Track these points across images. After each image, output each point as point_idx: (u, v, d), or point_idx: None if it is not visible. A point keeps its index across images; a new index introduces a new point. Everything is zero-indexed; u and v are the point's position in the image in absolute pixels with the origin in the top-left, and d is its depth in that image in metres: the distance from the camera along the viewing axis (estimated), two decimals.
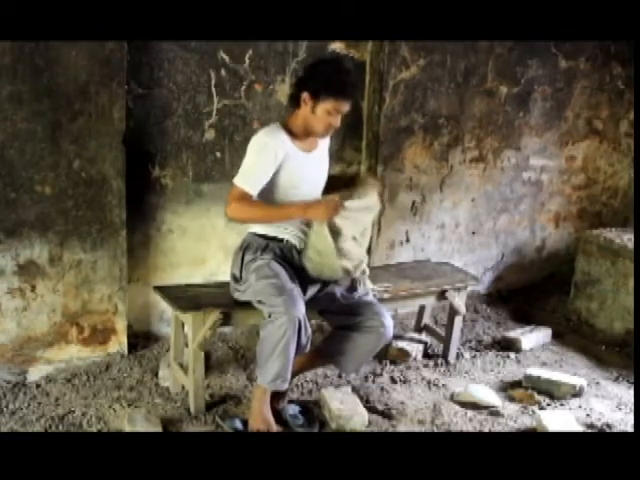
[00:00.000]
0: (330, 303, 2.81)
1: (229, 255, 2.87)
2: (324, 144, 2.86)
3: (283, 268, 2.68)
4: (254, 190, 2.59)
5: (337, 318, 2.84)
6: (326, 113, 2.62)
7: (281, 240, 2.74)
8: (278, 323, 2.49)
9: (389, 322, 2.76)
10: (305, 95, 2.62)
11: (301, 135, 2.71)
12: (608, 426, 2.94)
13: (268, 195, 2.66)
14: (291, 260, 2.74)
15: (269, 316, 2.54)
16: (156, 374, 3.11)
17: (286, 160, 2.65)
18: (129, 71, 3.04)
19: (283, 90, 3.45)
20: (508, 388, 3.26)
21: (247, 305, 2.71)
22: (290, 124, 2.72)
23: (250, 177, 2.60)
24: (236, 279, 2.77)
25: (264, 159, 2.60)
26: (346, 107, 2.66)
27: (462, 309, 3.44)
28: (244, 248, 2.76)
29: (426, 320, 3.72)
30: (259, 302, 2.62)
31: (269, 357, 2.54)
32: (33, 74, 2.79)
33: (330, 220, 2.57)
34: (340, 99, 2.61)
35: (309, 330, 2.58)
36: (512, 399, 3.16)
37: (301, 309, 2.53)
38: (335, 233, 2.60)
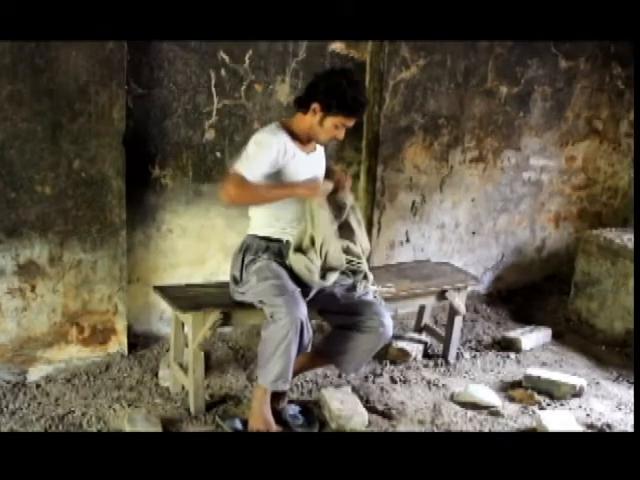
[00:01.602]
0: (330, 303, 2.81)
1: (229, 255, 2.87)
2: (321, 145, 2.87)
3: (284, 269, 2.68)
4: (252, 178, 2.58)
5: (337, 318, 2.84)
6: (333, 127, 2.65)
7: (281, 241, 2.74)
8: (280, 324, 2.49)
9: (388, 322, 2.76)
10: (316, 106, 2.63)
11: (303, 138, 2.72)
12: (608, 426, 2.94)
13: None
14: None
15: (271, 317, 2.54)
16: (156, 374, 3.11)
17: (286, 160, 2.65)
18: (129, 71, 3.04)
19: (283, 90, 3.45)
20: (508, 388, 3.26)
21: (247, 305, 2.71)
22: (293, 126, 2.72)
23: (250, 166, 2.58)
24: (236, 281, 2.77)
25: (263, 153, 2.60)
26: (353, 122, 2.69)
27: (462, 309, 3.44)
28: (244, 250, 2.76)
29: (426, 320, 3.72)
30: (260, 302, 2.62)
31: (271, 358, 2.54)
32: (33, 74, 2.79)
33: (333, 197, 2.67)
34: (351, 117, 2.65)
35: (310, 331, 2.58)
36: (512, 399, 3.16)
37: (303, 310, 2.53)
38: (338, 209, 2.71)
